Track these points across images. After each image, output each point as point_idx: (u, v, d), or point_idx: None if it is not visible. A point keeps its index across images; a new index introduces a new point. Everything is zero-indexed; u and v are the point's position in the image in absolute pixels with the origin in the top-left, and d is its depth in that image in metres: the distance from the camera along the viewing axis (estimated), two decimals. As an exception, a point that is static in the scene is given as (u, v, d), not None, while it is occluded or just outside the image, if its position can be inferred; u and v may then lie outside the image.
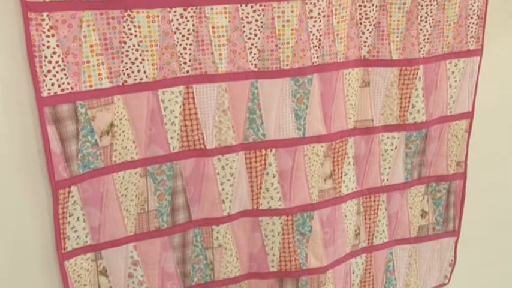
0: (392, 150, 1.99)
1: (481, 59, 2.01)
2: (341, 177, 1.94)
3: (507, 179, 2.33)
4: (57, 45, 1.40)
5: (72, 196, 1.52)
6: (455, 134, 2.08)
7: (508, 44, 2.09)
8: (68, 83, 1.44)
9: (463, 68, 1.99)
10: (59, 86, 1.43)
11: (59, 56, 1.41)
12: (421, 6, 1.81)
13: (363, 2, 1.78)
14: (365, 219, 2.06)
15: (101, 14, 1.45)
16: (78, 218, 1.55)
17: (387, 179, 2.03)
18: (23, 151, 1.45)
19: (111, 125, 1.55)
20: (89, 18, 1.43)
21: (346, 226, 1.99)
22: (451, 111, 2.04)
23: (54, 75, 1.41)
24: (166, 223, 1.73)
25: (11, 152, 1.44)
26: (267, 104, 1.74)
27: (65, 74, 1.43)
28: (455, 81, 2.00)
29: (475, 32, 1.96)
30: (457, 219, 2.22)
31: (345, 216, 1.98)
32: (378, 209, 2.05)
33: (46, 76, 1.40)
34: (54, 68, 1.41)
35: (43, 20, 1.36)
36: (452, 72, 1.98)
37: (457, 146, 2.10)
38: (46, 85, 1.41)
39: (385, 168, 2.01)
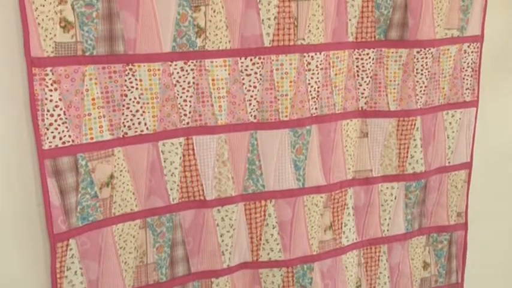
0: (392, 200, 1.98)
1: (477, 110, 2.04)
2: (341, 228, 1.93)
3: (509, 230, 2.31)
4: (60, 99, 1.42)
5: (71, 249, 1.50)
6: (455, 184, 2.09)
7: (503, 96, 2.12)
8: (69, 136, 1.45)
9: (459, 118, 2.02)
10: (60, 138, 1.44)
11: (61, 109, 1.43)
12: (417, 59, 1.85)
13: (359, 54, 1.82)
14: (366, 270, 2.03)
15: (103, 68, 1.48)
16: (75, 271, 1.53)
17: (388, 230, 2.01)
18: (22, 204, 1.44)
19: (111, 176, 1.55)
20: (91, 72, 1.46)
21: (347, 278, 1.97)
22: (449, 162, 2.05)
23: (56, 128, 1.43)
24: (165, 276, 1.70)
25: (10, 204, 1.43)
26: (266, 154, 1.75)
27: (67, 127, 1.44)
28: (453, 131, 2.02)
29: (470, 84, 2.00)
30: (460, 271, 2.18)
31: (346, 267, 1.96)
32: (378, 260, 2.03)
33: (48, 129, 1.42)
34: (56, 121, 1.42)
35: (47, 74, 1.39)
36: (450, 123, 2.01)
37: (456, 197, 2.10)
38: (47, 138, 1.42)
39: (385, 219, 2.00)
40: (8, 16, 1.34)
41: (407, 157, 1.95)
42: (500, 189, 2.24)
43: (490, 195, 2.20)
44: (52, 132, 1.42)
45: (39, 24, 1.36)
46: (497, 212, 2.26)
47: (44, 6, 1.35)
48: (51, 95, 1.41)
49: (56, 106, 1.42)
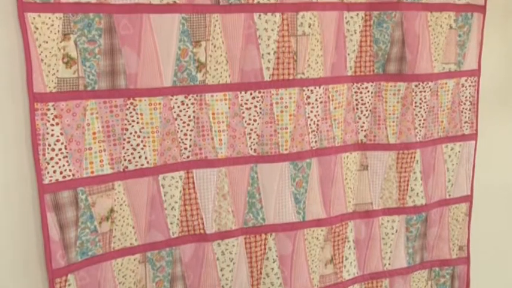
0: (393, 234, 1.97)
1: (476, 143, 2.05)
2: (342, 261, 1.91)
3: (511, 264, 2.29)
4: (61, 133, 1.43)
5: (69, 285, 1.49)
6: (456, 217, 2.08)
7: (502, 129, 2.13)
8: (70, 170, 1.46)
9: (459, 151, 2.02)
10: (61, 173, 1.44)
11: (62, 143, 1.43)
12: (415, 92, 1.87)
13: (358, 88, 1.84)
14: (368, 305, 2.01)
15: (104, 102, 1.50)
16: (74, 307, 1.52)
17: (389, 264, 2.00)
18: (21, 238, 1.43)
19: (111, 210, 1.55)
20: (93, 107, 1.48)
21: (349, 312, 1.94)
22: (450, 195, 2.04)
23: (57, 163, 1.43)
24: (164, 311, 1.68)
25: (8, 239, 1.42)
26: (266, 188, 1.75)
27: (67, 161, 1.45)
28: (453, 164, 2.02)
29: (468, 118, 2.01)
30: (463, 307, 2.16)
31: (348, 302, 1.94)
32: (381, 294, 2.01)
33: (48, 163, 1.42)
34: (57, 155, 1.43)
35: (48, 109, 1.41)
36: (449, 156, 2.01)
37: (458, 230, 2.09)
38: (48, 172, 1.42)
39: (387, 253, 1.98)
40: (12, 52, 1.36)
41: (407, 190, 1.95)
42: (503, 222, 2.22)
43: (493, 229, 2.19)
44: (53, 166, 1.43)
45: (42, 60, 1.38)
46: (500, 246, 2.24)
47: (47, 42, 1.38)
48: (52, 130, 1.42)
49: (57, 140, 1.43)
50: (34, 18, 1.35)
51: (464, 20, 1.91)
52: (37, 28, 1.36)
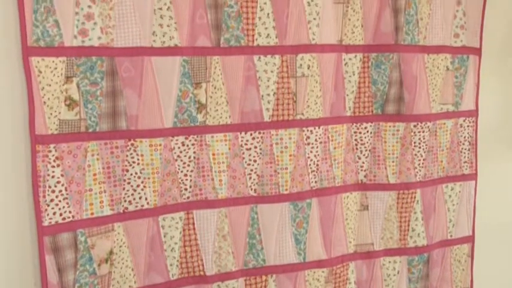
0: (394, 275, 1.95)
1: (476, 183, 2.05)
2: (344, 303, 1.89)
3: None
4: (62, 175, 1.43)
5: (67, 329, 1.46)
6: (458, 258, 2.06)
7: (500, 168, 2.14)
8: (70, 212, 1.45)
9: (459, 192, 2.03)
10: (61, 214, 1.44)
11: (62, 185, 1.43)
12: (414, 133, 1.88)
13: (358, 128, 1.86)
14: None
15: (105, 144, 1.51)
16: None
17: (392, 306, 1.97)
18: (19, 281, 1.42)
19: (111, 252, 1.53)
20: (94, 148, 1.48)
21: None
22: (451, 235, 2.03)
23: (57, 204, 1.43)
24: None
25: (6, 282, 1.40)
26: (266, 228, 1.74)
27: (67, 203, 1.45)
28: (453, 204, 2.02)
29: (468, 158, 2.02)
30: None
31: None
32: (383, 337, 1.97)
33: (48, 205, 1.42)
34: (57, 197, 1.43)
35: (50, 151, 1.41)
36: (450, 196, 2.01)
37: (461, 271, 2.07)
38: (48, 214, 1.42)
39: (389, 294, 1.96)
40: (15, 94, 1.38)
41: (408, 230, 1.94)
42: (506, 263, 2.20)
43: (496, 271, 2.17)
44: (53, 208, 1.42)
45: (44, 103, 1.39)
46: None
47: (50, 85, 1.39)
48: (53, 171, 1.42)
49: (58, 182, 1.43)
50: (38, 62, 1.37)
51: (461, 62, 1.95)
52: (41, 71, 1.38)
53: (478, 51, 1.97)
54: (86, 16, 1.43)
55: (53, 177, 1.42)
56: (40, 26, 1.37)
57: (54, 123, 1.42)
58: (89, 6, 1.43)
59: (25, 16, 1.34)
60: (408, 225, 1.93)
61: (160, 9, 1.52)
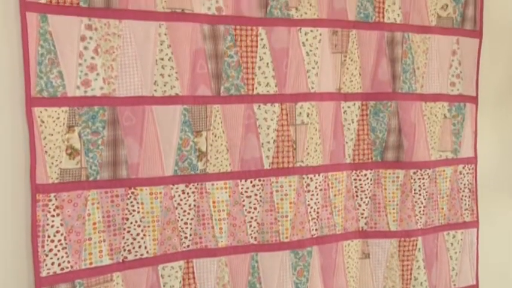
0: (399, 326, 1.92)
1: (478, 231, 2.04)
2: None
3: None
4: (61, 224, 1.43)
5: None
6: (462, 308, 2.03)
7: (503, 215, 2.13)
8: (68, 262, 1.44)
9: (461, 239, 2.01)
10: (59, 265, 1.42)
11: (62, 234, 1.43)
12: (414, 180, 1.89)
13: (357, 175, 1.86)
14: None
15: (106, 192, 1.51)
16: None
17: None
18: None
19: (109, 303, 1.51)
20: (94, 197, 1.48)
21: None
22: (455, 284, 2.00)
23: (55, 254, 1.42)
24: None
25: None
26: (267, 278, 1.72)
27: (66, 253, 1.43)
28: (455, 252, 2.00)
29: (468, 205, 2.02)
30: None
31: None
32: None
33: (47, 255, 1.40)
34: (56, 247, 1.42)
35: (50, 200, 1.41)
36: (451, 244, 1.99)
37: (465, 321, 2.04)
38: (46, 265, 1.40)
39: None
40: (17, 144, 1.39)
41: (410, 279, 1.91)
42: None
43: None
44: (51, 258, 1.41)
45: (46, 152, 1.40)
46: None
47: (52, 135, 1.41)
48: (52, 221, 1.41)
49: (57, 231, 1.42)
50: (41, 112, 1.39)
51: (458, 109, 1.97)
52: (43, 121, 1.39)
53: (474, 100, 2.00)
54: (89, 67, 1.46)
55: (52, 226, 1.41)
56: (44, 77, 1.39)
57: (55, 172, 1.42)
58: (92, 58, 1.46)
59: (30, 68, 1.37)
60: (410, 274, 1.91)
61: (162, 59, 1.55)
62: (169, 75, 1.56)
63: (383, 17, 1.83)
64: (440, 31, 1.92)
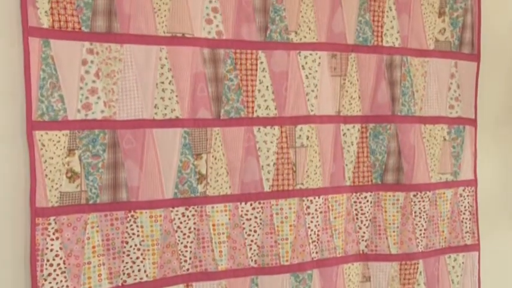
0: None
1: (479, 254, 2.03)
2: None
3: None
4: (60, 248, 1.42)
5: None
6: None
7: (504, 238, 2.12)
8: (67, 286, 1.43)
9: (462, 262, 2.00)
10: (57, 289, 1.42)
11: (61, 258, 1.42)
12: (414, 202, 1.89)
13: (357, 198, 1.86)
14: None
15: (105, 215, 1.50)
16: None
17: None
18: None
19: (108, 329, 1.49)
20: (94, 220, 1.48)
21: None
22: (458, 309, 2.00)
23: (54, 279, 1.41)
24: None
25: None
26: (268, 301, 1.71)
27: (65, 277, 1.42)
28: (457, 276, 1.99)
29: (469, 227, 2.01)
30: None
31: None
32: None
33: (46, 280, 1.40)
34: (55, 271, 1.41)
35: (49, 224, 1.41)
36: (453, 267, 1.98)
37: None
38: (44, 289, 1.40)
39: None
40: (17, 167, 1.40)
41: (413, 303, 1.90)
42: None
43: None
44: (50, 282, 1.40)
45: (46, 175, 1.40)
46: None
47: (52, 158, 1.41)
48: (52, 244, 1.41)
49: (56, 255, 1.41)
50: (42, 135, 1.40)
51: (457, 132, 1.98)
52: (44, 145, 1.40)
53: (473, 122, 2.01)
54: (90, 91, 1.47)
55: (51, 250, 1.41)
56: (45, 101, 1.40)
57: (55, 195, 1.42)
58: (93, 81, 1.47)
59: (31, 92, 1.38)
60: (412, 298, 1.90)
61: (163, 83, 1.56)
62: (169, 99, 1.57)
63: (381, 41, 1.85)
64: (438, 54, 1.94)
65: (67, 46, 1.43)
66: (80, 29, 1.44)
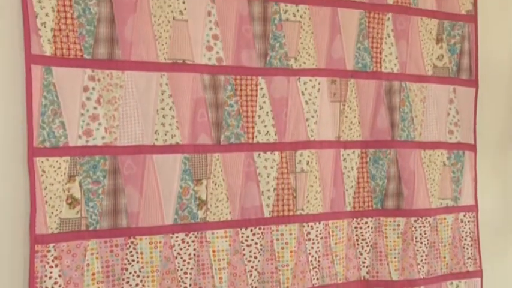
0: None
1: (482, 281, 2.01)
2: None
3: None
4: (60, 275, 1.41)
5: None
6: None
7: (506, 264, 2.11)
8: (66, 314, 1.41)
9: (465, 290, 1.99)
10: (56, 319, 1.40)
11: (60, 286, 1.41)
12: (415, 228, 1.88)
13: (358, 223, 1.85)
14: None
15: (105, 242, 1.50)
16: None
17: None
18: None
19: None
20: (93, 247, 1.47)
21: None
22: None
23: (53, 307, 1.40)
24: None
25: None
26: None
27: (64, 305, 1.41)
28: (460, 303, 1.98)
29: (471, 254, 2.00)
30: None
31: None
32: None
33: (45, 308, 1.38)
34: (53, 299, 1.40)
35: (49, 251, 1.40)
36: (455, 294, 1.97)
37: None
38: (43, 318, 1.38)
39: None
40: (17, 194, 1.40)
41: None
42: None
43: None
44: (49, 310, 1.39)
45: (46, 202, 1.40)
46: None
47: (53, 185, 1.41)
48: (51, 272, 1.40)
49: (55, 283, 1.40)
50: (42, 162, 1.40)
51: (457, 157, 1.98)
52: (44, 171, 1.40)
53: (473, 148, 2.02)
54: (91, 117, 1.47)
55: (50, 278, 1.40)
56: (46, 128, 1.41)
57: (54, 222, 1.42)
58: (95, 108, 1.48)
59: (33, 118, 1.39)
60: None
61: (163, 109, 1.57)
62: (170, 124, 1.57)
63: (380, 67, 1.87)
64: (437, 80, 1.96)
65: (69, 73, 1.44)
66: (82, 56, 1.45)
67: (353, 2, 1.83)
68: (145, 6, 1.54)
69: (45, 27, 1.41)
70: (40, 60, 1.40)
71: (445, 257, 1.95)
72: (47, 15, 1.41)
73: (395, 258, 1.87)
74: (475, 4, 2.01)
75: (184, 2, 1.59)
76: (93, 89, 1.48)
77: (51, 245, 1.40)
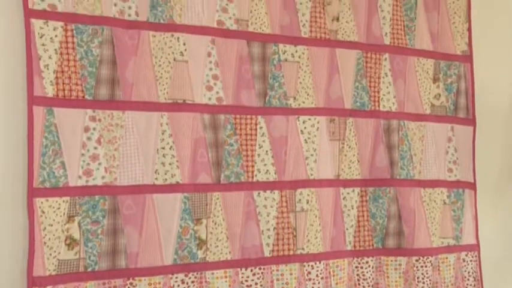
0: None
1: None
2: None
3: None
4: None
5: None
6: None
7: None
8: None
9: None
10: None
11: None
12: (416, 267, 1.86)
13: (359, 263, 1.84)
14: None
15: (103, 283, 1.48)
16: None
17: None
18: None
19: None
20: (91, 288, 1.45)
21: None
22: None
23: None
24: None
25: None
26: None
27: None
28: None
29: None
30: None
31: None
32: None
33: None
34: None
35: (46, 292, 1.38)
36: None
37: None
38: None
39: None
40: (16, 236, 1.39)
41: None
42: None
43: None
44: None
45: (45, 243, 1.39)
46: None
47: (52, 225, 1.40)
48: (49, 314, 1.38)
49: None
50: (42, 202, 1.39)
51: (457, 196, 1.98)
52: (43, 212, 1.39)
53: (473, 186, 2.02)
54: (92, 157, 1.48)
55: (48, 319, 1.38)
56: (47, 168, 1.41)
57: (53, 263, 1.40)
58: (95, 148, 1.48)
59: (33, 159, 1.39)
60: None
61: (163, 148, 1.58)
62: (170, 164, 1.58)
63: (378, 106, 1.89)
64: (434, 119, 1.98)
65: (70, 114, 1.46)
66: (83, 97, 1.47)
67: (350, 42, 1.86)
68: (147, 48, 1.57)
69: (48, 69, 1.43)
70: (42, 102, 1.41)
71: (449, 296, 1.93)
72: (50, 57, 1.43)
73: (398, 298, 1.85)
74: (469, 45, 2.05)
75: (184, 44, 1.62)
76: (94, 129, 1.48)
77: (49, 287, 1.38)
